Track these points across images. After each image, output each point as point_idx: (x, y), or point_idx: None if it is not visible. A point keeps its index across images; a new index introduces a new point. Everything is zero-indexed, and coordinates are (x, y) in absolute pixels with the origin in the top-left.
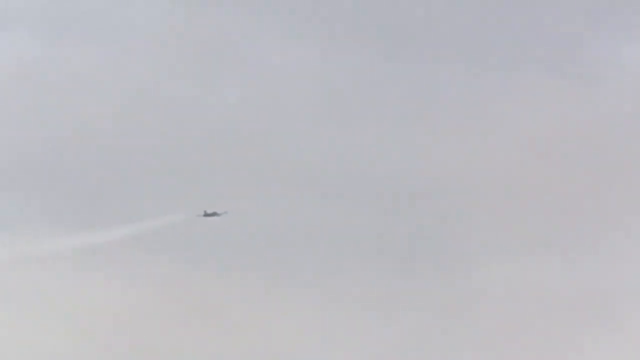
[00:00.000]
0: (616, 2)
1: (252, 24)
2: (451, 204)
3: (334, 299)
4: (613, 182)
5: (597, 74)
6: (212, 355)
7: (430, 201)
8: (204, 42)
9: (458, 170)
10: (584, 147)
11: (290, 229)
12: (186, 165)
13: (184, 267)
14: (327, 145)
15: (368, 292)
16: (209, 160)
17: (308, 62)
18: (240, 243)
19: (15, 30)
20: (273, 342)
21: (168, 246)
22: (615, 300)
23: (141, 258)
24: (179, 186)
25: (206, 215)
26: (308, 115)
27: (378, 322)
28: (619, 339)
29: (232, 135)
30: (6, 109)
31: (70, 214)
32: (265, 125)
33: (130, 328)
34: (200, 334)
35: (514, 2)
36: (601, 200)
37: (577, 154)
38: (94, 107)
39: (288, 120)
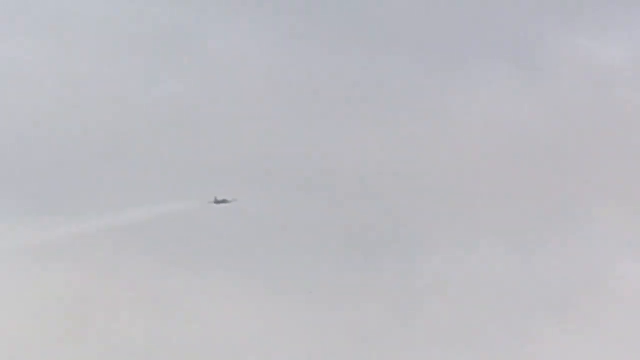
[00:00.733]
0: None
1: (199, 15)
2: (409, 196)
3: (287, 290)
4: (571, 176)
5: (552, 69)
6: (161, 344)
7: (388, 193)
8: (149, 32)
9: (415, 162)
10: (541, 140)
11: (244, 221)
12: (128, 157)
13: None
14: (279, 138)
15: (324, 284)
16: (151, 152)
17: (259, 53)
18: (196, 236)
19: None
20: (225, 333)
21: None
22: (573, 292)
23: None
24: (114, 178)
25: (217, 202)
26: (256, 108)
27: (333, 314)
28: (576, 331)
29: (176, 128)
30: None
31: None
32: (210, 118)
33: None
34: (150, 324)
35: None
36: (560, 194)
37: (535, 147)
38: (35, 100)
39: (233, 113)
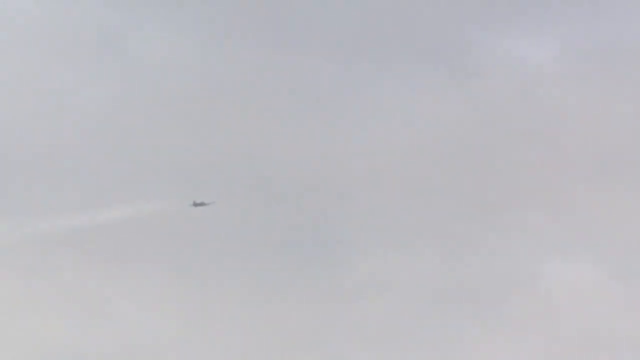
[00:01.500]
0: None
1: (122, 17)
2: (335, 197)
3: (216, 291)
4: (500, 178)
5: (481, 69)
6: (86, 346)
7: (315, 193)
8: (82, 33)
9: (341, 163)
10: (467, 142)
11: (174, 222)
12: (63, 159)
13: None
14: (208, 139)
15: (251, 284)
16: (84, 154)
17: (190, 55)
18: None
19: None
20: (151, 332)
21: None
22: (502, 293)
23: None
24: (42, 182)
25: (195, 205)
26: (189, 110)
27: (262, 314)
28: (505, 331)
29: (109, 130)
30: None
31: None
32: (144, 120)
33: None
34: (77, 325)
35: None
36: (489, 195)
37: (465, 148)
38: None
39: (166, 115)
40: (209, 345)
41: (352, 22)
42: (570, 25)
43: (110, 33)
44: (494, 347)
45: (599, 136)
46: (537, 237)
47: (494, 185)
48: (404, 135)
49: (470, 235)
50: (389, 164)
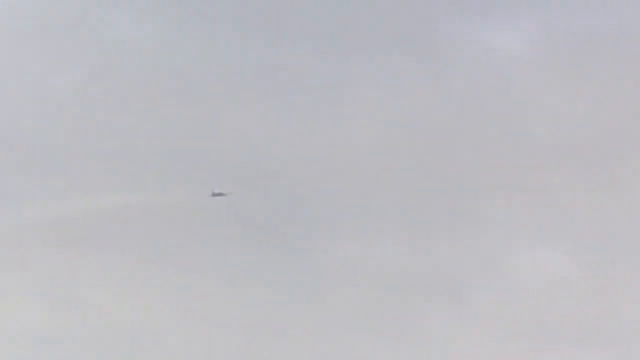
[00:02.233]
0: None
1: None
2: (307, 185)
3: (191, 278)
4: (467, 166)
5: (451, 57)
6: (58, 333)
7: (287, 182)
8: (48, 16)
9: (316, 152)
10: (439, 130)
11: (143, 209)
12: (27, 149)
13: None
14: (178, 124)
15: (226, 271)
16: (50, 142)
17: (160, 38)
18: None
19: None
20: (118, 316)
21: None
22: (464, 282)
23: None
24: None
25: (214, 195)
26: (158, 93)
27: (237, 304)
28: (472, 320)
29: (78, 115)
30: None
31: None
32: (113, 104)
33: None
34: (49, 313)
35: None
36: (457, 183)
37: (433, 137)
38: None
39: (137, 98)
40: (184, 332)
41: (322, 11)
42: (544, 13)
43: (84, 20)
44: (465, 335)
45: (574, 125)
46: (509, 225)
47: (466, 173)
48: (376, 124)
49: (441, 223)
50: (361, 153)
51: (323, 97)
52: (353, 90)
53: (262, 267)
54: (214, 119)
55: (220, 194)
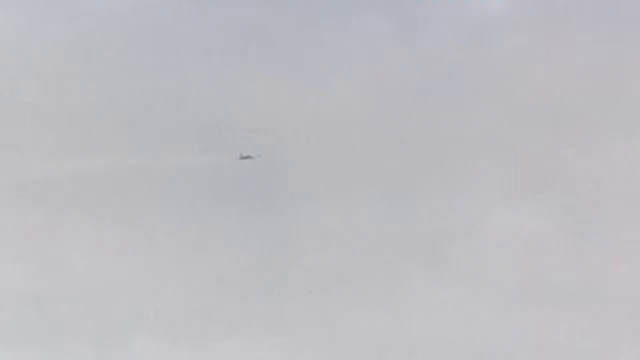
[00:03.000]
0: None
1: None
2: (288, 146)
3: (155, 238)
4: (443, 126)
5: (428, 18)
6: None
7: (267, 144)
8: None
9: (284, 112)
10: (415, 91)
11: (115, 172)
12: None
13: None
14: (150, 89)
15: (196, 233)
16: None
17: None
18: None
19: None
20: (93, 283)
21: None
22: (438, 242)
23: None
24: None
25: (242, 157)
26: (133, 58)
27: (207, 265)
28: (441, 280)
29: (56, 76)
30: None
31: None
32: (90, 65)
33: None
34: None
35: None
36: (434, 143)
37: (408, 98)
38: None
39: (108, 61)
40: (157, 293)
41: None
42: None
43: None
44: (442, 294)
45: (551, 86)
46: (487, 185)
47: (444, 133)
48: (350, 85)
49: (420, 183)
50: (333, 114)
51: (295, 58)
52: (328, 52)
53: (238, 227)
54: (191, 82)
55: (248, 157)
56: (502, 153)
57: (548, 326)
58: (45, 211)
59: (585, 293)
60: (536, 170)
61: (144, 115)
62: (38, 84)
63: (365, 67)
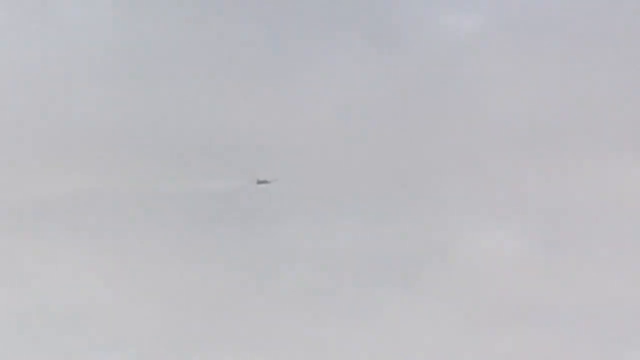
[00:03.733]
0: None
1: None
2: (260, 163)
3: (134, 255)
4: (418, 147)
5: (402, 38)
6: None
7: (239, 159)
8: None
9: (265, 131)
10: (388, 111)
11: (89, 186)
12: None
13: None
14: (126, 104)
15: (172, 250)
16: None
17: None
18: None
19: None
20: (71, 298)
21: None
22: (413, 261)
23: None
24: None
25: (259, 182)
26: (101, 73)
27: (180, 280)
28: (416, 300)
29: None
30: None
31: None
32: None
33: None
34: None
35: None
36: (405, 165)
37: (382, 118)
38: None
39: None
40: (135, 309)
41: None
42: None
43: None
44: (415, 316)
45: (528, 106)
46: (462, 206)
47: (420, 154)
48: (331, 105)
49: (395, 204)
50: (316, 134)
51: (279, 78)
52: (309, 72)
53: (216, 245)
54: (170, 101)
55: (264, 182)
56: (478, 173)
57: (524, 346)
58: (34, 233)
59: (561, 313)
60: (512, 190)
61: (110, 138)
62: (30, 101)
63: (343, 88)
